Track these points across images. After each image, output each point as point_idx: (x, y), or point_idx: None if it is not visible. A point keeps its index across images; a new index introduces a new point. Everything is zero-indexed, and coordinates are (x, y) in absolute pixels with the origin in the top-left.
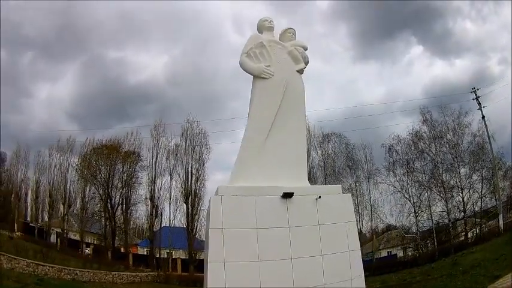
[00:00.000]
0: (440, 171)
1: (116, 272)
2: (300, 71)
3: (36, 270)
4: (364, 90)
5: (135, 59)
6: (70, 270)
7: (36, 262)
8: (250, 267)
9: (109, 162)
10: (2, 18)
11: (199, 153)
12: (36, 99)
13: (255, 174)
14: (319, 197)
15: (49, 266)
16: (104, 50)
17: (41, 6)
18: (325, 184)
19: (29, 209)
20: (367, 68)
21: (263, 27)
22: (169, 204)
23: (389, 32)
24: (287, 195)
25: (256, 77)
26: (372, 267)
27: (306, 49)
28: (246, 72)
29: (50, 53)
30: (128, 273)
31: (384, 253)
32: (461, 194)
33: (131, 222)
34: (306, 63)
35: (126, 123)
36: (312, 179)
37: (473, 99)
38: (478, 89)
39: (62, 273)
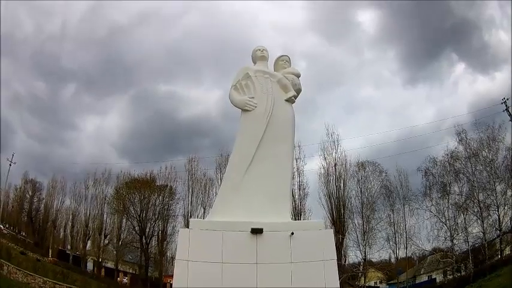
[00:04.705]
0: (477, 191)
1: None
2: (290, 100)
3: None
4: (415, 113)
5: (186, 92)
6: None
7: (54, 281)
8: None
9: (142, 195)
10: (41, 49)
11: None
12: (82, 132)
13: (233, 209)
14: (292, 233)
15: (67, 286)
16: (153, 84)
17: (81, 38)
18: (362, 213)
19: (68, 237)
20: (416, 91)
21: (256, 57)
22: None
23: (434, 51)
24: (256, 231)
25: (242, 109)
26: None
27: (298, 76)
28: (233, 105)
29: (96, 86)
30: None
31: (425, 277)
32: (497, 212)
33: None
34: (298, 90)
35: (180, 157)
36: (347, 208)
37: (503, 111)
38: (507, 99)
39: None
